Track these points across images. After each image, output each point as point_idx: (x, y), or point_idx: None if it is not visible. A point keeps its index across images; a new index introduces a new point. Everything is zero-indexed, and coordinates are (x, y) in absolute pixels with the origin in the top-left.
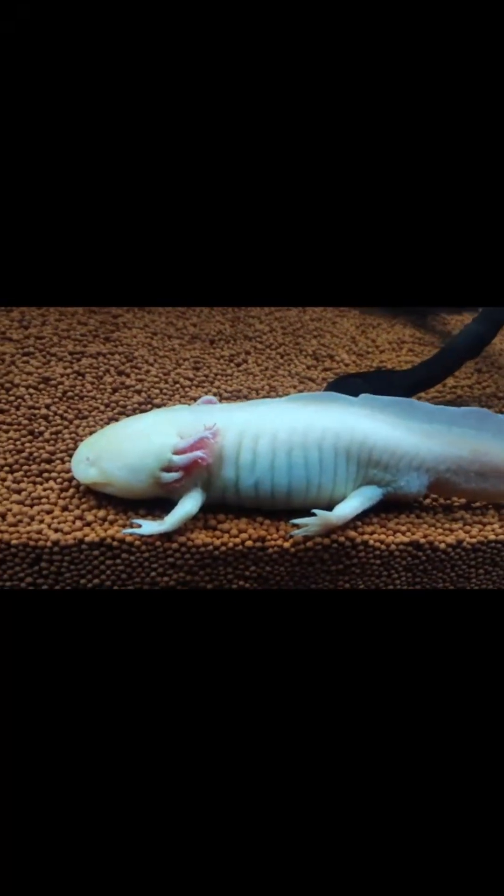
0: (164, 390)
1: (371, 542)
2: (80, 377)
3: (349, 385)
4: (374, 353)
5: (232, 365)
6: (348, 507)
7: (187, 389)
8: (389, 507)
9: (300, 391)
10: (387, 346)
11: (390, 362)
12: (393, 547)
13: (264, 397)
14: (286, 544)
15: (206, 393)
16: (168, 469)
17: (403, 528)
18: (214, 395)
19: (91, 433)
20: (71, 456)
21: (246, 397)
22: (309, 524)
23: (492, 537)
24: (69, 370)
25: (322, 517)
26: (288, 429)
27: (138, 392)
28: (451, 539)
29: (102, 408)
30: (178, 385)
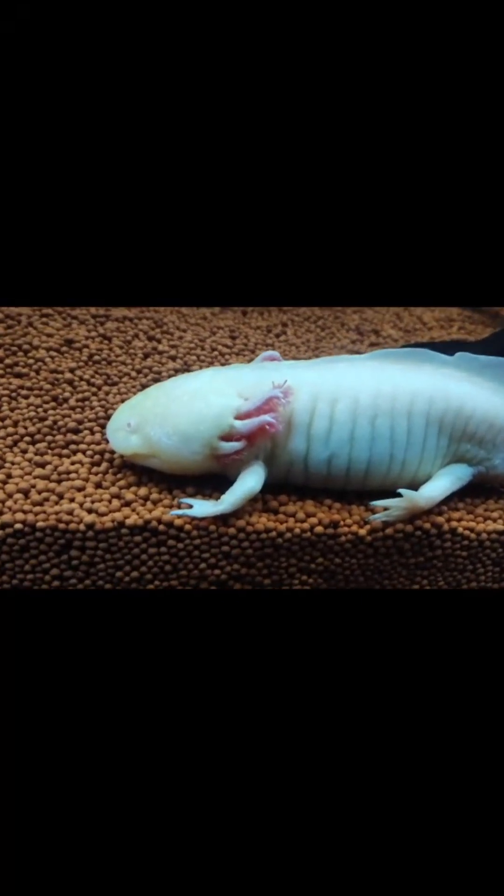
0: (202, 357)
1: (460, 529)
2: (106, 340)
3: None
4: (422, 331)
5: (271, 335)
6: (438, 488)
7: (227, 357)
8: (476, 490)
9: None
10: (434, 323)
11: (442, 339)
12: (483, 536)
13: None
14: (362, 531)
15: (247, 360)
16: (228, 438)
17: (494, 515)
18: None
19: (123, 401)
20: (101, 426)
21: None
22: (392, 507)
23: None
24: (94, 333)
25: (409, 498)
26: (372, 392)
27: (173, 358)
28: None
29: (134, 374)
30: (216, 352)
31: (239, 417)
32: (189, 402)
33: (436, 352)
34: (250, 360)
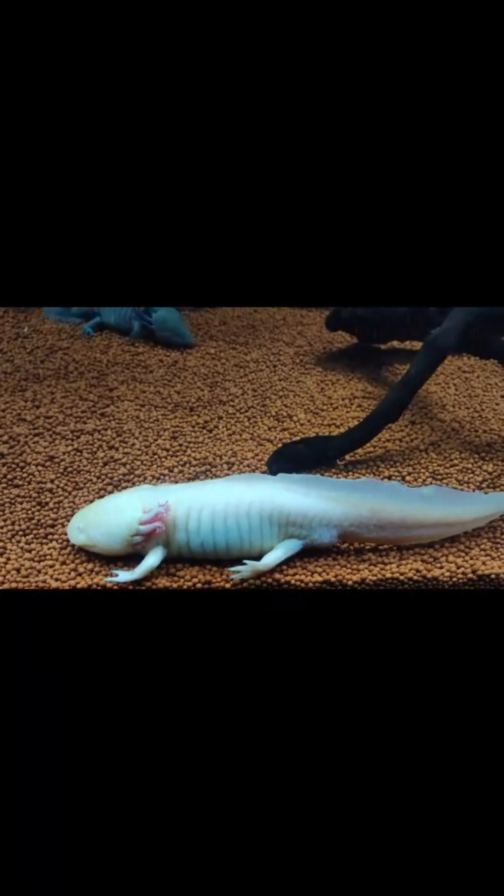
0: (145, 461)
1: (292, 581)
2: (78, 453)
3: (292, 450)
4: (328, 410)
5: (204, 432)
6: (272, 557)
7: (163, 459)
8: (316, 552)
9: (256, 454)
10: (340, 402)
11: (340, 418)
12: (311, 585)
13: (226, 462)
14: (227, 585)
15: (178, 461)
16: (136, 535)
17: (320, 570)
18: (185, 462)
19: (84, 502)
20: (69, 521)
21: (211, 464)
22: (241, 570)
23: (388, 575)
24: (70, 448)
25: (251, 565)
26: (223, 502)
27: (123, 465)
28: (356, 577)
29: (95, 479)
30: (156, 456)
31: (141, 524)
32: (112, 514)
33: (266, 474)
34: (181, 460)
